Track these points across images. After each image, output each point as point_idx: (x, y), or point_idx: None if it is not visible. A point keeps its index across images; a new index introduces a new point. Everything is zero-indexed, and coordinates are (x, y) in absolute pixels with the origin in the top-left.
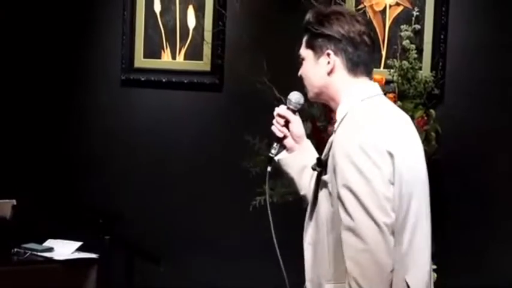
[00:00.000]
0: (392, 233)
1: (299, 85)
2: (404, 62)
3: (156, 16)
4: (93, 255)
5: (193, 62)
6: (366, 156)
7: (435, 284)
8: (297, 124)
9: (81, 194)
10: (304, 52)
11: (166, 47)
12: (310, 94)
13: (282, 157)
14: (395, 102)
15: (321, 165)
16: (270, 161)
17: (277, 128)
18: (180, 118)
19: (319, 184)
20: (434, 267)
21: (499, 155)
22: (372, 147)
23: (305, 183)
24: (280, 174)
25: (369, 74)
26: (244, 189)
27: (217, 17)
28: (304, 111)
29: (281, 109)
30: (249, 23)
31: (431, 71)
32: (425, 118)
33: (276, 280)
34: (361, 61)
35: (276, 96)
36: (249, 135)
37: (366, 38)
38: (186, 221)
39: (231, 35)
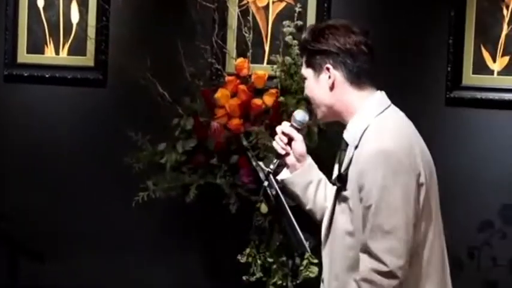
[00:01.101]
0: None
1: (180, 80)
2: (287, 57)
3: (39, 11)
4: None
5: (76, 58)
6: (397, 179)
7: (316, 277)
8: (300, 143)
9: None
10: (305, 72)
11: (50, 42)
12: (319, 114)
13: (286, 177)
14: (277, 97)
15: (342, 181)
16: (268, 175)
17: (279, 146)
18: (63, 114)
19: (338, 198)
20: (316, 261)
21: None
22: (404, 168)
23: (310, 198)
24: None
25: (372, 83)
26: (127, 185)
27: (101, 12)
28: (186, 107)
29: (285, 127)
30: (133, 18)
31: None
32: None
33: (162, 274)
34: (362, 71)
35: (159, 92)
36: (132, 131)
37: (363, 47)
38: (69, 219)
39: (115, 31)
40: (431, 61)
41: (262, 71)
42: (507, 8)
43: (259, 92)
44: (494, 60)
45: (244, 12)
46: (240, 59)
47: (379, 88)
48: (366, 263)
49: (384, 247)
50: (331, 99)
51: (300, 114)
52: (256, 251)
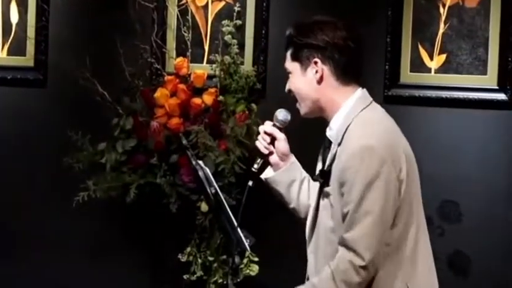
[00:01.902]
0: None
1: (120, 80)
2: (227, 57)
3: None
4: None
5: (16, 58)
6: (381, 176)
7: (256, 277)
8: (283, 142)
9: None
10: (291, 66)
11: None
12: (303, 109)
13: (269, 176)
14: (217, 96)
15: (324, 177)
16: (253, 176)
17: (262, 145)
18: (3, 114)
19: (321, 195)
20: (257, 259)
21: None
22: (386, 165)
23: (293, 197)
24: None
25: (358, 79)
26: (67, 185)
27: (40, 12)
28: (126, 107)
29: (267, 126)
30: (72, 18)
31: (253, 66)
32: (247, 112)
33: (103, 274)
34: (349, 66)
35: (99, 92)
36: (73, 131)
37: (350, 43)
38: (9, 219)
39: (54, 31)
40: (369, 59)
41: (201, 70)
42: (443, 6)
43: (198, 91)
44: (431, 58)
45: (184, 11)
46: (179, 59)
47: None
48: (344, 255)
49: (362, 242)
50: (317, 93)
51: (282, 113)
52: (197, 250)
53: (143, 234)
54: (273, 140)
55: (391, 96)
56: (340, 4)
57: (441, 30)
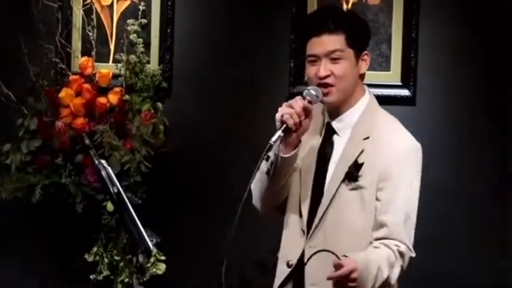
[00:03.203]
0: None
1: (25, 80)
2: (132, 56)
3: None
4: None
5: None
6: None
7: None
8: (309, 121)
9: None
10: (345, 51)
11: None
12: (336, 96)
13: (291, 154)
14: (122, 96)
15: (357, 171)
16: (269, 148)
17: (293, 121)
18: None
19: (345, 187)
20: (164, 258)
21: (222, 144)
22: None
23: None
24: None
25: None
26: None
27: None
28: (30, 107)
29: (305, 102)
30: None
31: (158, 65)
32: (153, 111)
33: (10, 275)
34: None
35: (3, 92)
36: None
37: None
38: None
39: None
40: (275, 57)
41: (106, 69)
42: (347, 3)
43: (104, 91)
44: None
45: (89, 11)
46: (84, 58)
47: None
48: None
49: (411, 239)
50: (354, 84)
51: (314, 89)
52: (104, 250)
53: (49, 234)
54: (306, 116)
55: (296, 93)
56: (244, 2)
57: None
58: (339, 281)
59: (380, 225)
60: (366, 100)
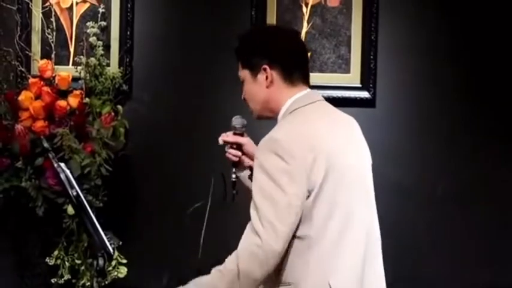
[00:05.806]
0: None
1: None
2: (92, 58)
3: None
4: None
5: None
6: (277, 157)
7: (125, 279)
8: (250, 145)
9: None
10: (242, 73)
11: None
12: (255, 113)
13: (242, 174)
14: (82, 99)
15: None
16: (234, 185)
17: (231, 155)
18: None
19: None
20: (125, 261)
21: (182, 147)
22: (286, 149)
23: None
24: None
25: (305, 78)
26: None
27: None
28: None
29: (229, 137)
30: None
31: (118, 67)
32: (113, 114)
33: None
34: (295, 67)
35: None
36: None
37: (295, 44)
38: None
39: None
40: (233, 58)
41: (66, 72)
42: (306, 5)
43: (63, 94)
44: None
45: (48, 13)
46: (44, 61)
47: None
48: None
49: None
50: (267, 96)
51: (238, 120)
52: (65, 253)
53: (10, 238)
54: (239, 146)
55: None
56: (204, 4)
57: (304, 30)
58: None
59: None
60: (290, 101)
